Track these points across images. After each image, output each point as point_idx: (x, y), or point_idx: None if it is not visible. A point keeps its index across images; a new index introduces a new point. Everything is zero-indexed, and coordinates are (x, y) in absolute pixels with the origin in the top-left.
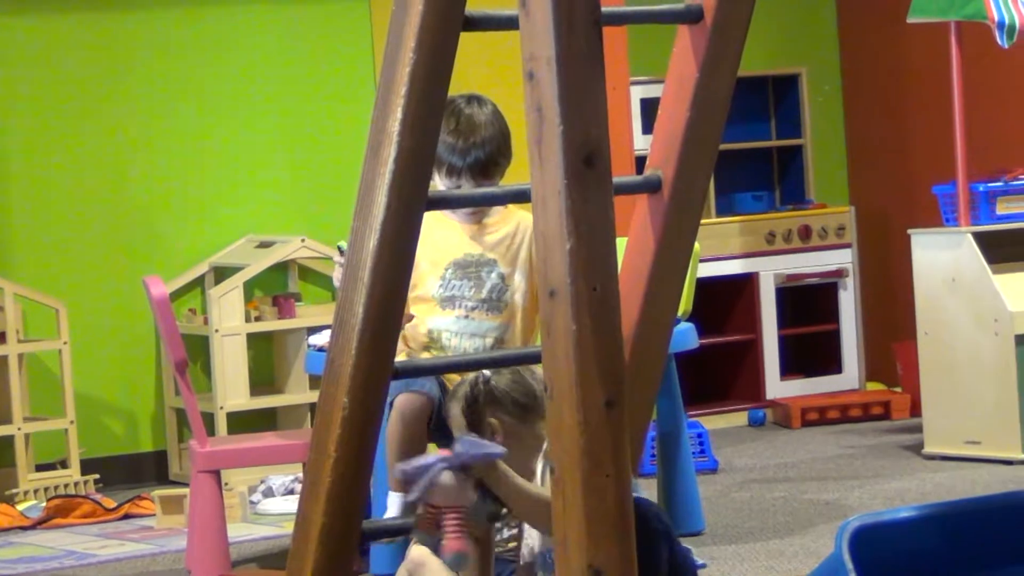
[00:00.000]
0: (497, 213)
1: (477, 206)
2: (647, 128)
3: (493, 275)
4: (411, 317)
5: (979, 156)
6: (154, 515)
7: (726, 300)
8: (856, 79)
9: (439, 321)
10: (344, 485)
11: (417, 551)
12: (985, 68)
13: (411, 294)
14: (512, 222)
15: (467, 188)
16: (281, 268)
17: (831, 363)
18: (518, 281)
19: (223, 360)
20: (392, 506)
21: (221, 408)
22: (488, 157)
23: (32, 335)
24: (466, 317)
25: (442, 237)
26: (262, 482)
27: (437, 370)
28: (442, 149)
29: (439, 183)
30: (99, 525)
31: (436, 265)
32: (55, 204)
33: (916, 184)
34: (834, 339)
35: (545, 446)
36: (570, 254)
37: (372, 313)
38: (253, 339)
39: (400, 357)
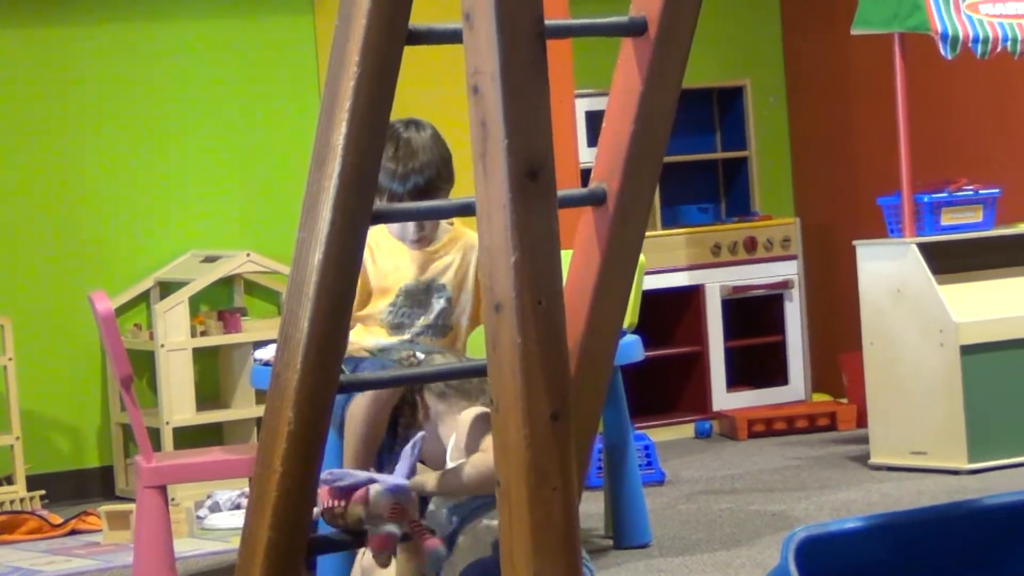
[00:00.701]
0: (444, 236)
1: (423, 220)
2: (592, 141)
3: (442, 300)
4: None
5: (923, 167)
6: (100, 531)
7: (672, 312)
8: (801, 91)
9: (383, 343)
10: (290, 500)
11: (368, 560)
12: (929, 79)
13: (359, 312)
14: (459, 245)
15: None
16: (227, 283)
17: (777, 375)
18: (463, 303)
19: (169, 375)
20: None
21: (167, 423)
22: (427, 182)
23: None
24: (411, 341)
25: (393, 264)
26: (208, 497)
27: (383, 384)
28: (382, 176)
29: None
30: (45, 541)
31: (387, 292)
32: (0, 219)
33: (861, 195)
34: (780, 351)
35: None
36: (515, 268)
37: (317, 327)
38: (199, 354)
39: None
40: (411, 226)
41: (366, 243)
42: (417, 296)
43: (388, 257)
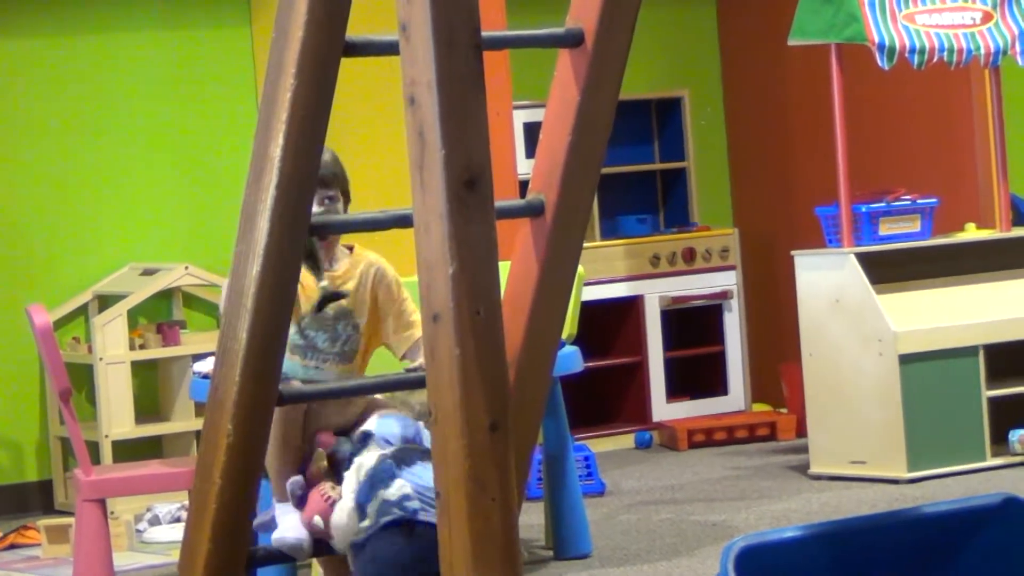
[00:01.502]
0: (345, 262)
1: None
2: (530, 152)
3: (349, 328)
4: None
5: (861, 177)
6: (40, 545)
7: (611, 323)
8: (738, 102)
9: (288, 366)
10: (229, 512)
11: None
12: (866, 89)
13: None
14: (359, 268)
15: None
16: (165, 296)
17: (717, 385)
18: (363, 325)
19: (107, 388)
20: (283, 517)
21: (106, 436)
22: (324, 166)
23: None
24: (316, 368)
25: (298, 287)
26: (148, 510)
27: (321, 395)
28: None
29: None
30: None
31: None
32: None
33: (799, 206)
34: (720, 361)
35: None
36: (453, 278)
37: (256, 339)
38: (138, 367)
39: None
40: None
41: None
42: (324, 321)
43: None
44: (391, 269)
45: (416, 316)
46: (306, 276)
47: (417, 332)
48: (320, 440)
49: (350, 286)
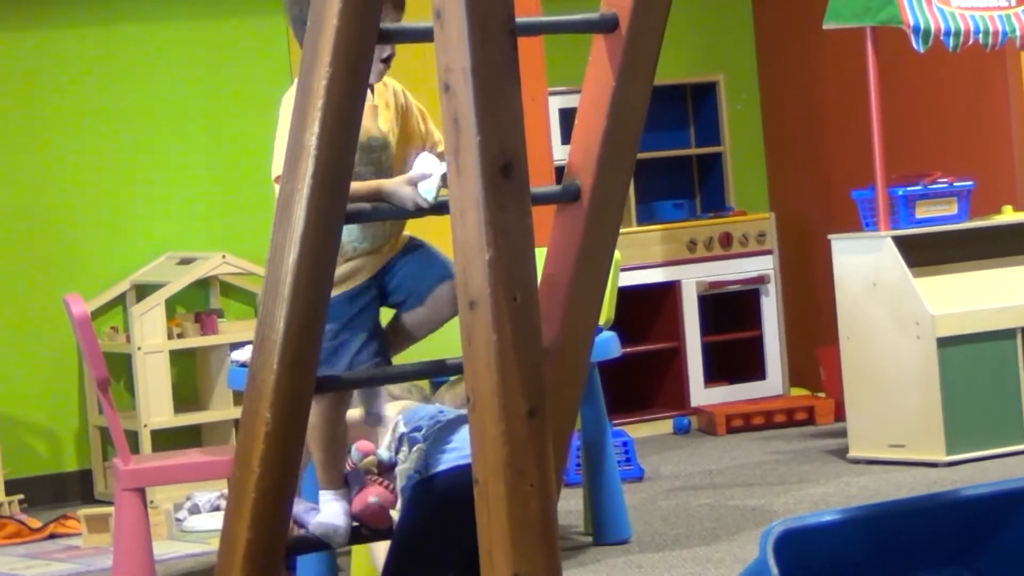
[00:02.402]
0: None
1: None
2: (566, 138)
3: (388, 156)
4: None
5: (898, 160)
6: (80, 534)
7: (648, 308)
8: (774, 86)
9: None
10: (269, 500)
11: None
12: (901, 73)
13: None
14: (388, 93)
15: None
16: (203, 284)
17: (755, 370)
18: (395, 147)
19: (146, 378)
20: (326, 505)
21: (145, 426)
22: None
23: None
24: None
25: None
26: (187, 499)
27: (359, 383)
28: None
29: None
30: (25, 545)
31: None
32: None
33: (835, 189)
34: (757, 345)
35: None
36: (489, 265)
37: (293, 328)
38: (176, 356)
39: None
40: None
41: None
42: (372, 154)
43: None
44: (410, 95)
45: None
46: None
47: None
48: (360, 448)
49: (390, 114)
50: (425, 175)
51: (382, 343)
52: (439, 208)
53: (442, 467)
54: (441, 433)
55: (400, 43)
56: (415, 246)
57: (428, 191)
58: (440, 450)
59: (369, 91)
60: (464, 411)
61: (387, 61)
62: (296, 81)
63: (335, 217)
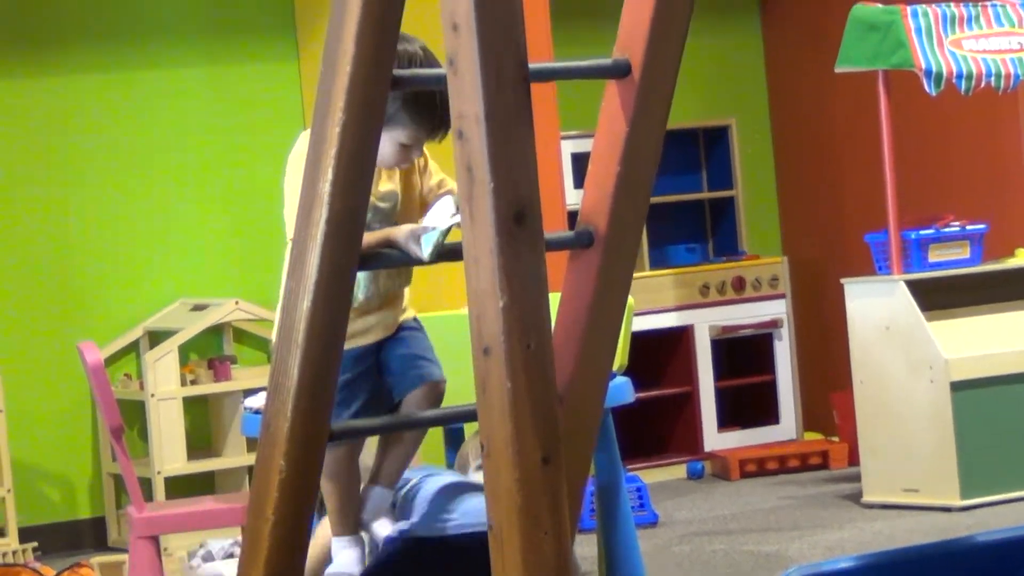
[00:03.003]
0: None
1: (408, 266)
2: (578, 183)
3: (396, 209)
4: None
5: (910, 203)
6: None
7: (662, 353)
8: (786, 129)
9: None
10: (283, 548)
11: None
12: (913, 116)
13: None
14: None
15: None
16: (216, 331)
17: (768, 414)
18: (400, 203)
19: (159, 425)
20: (339, 552)
21: (159, 473)
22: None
23: None
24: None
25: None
26: (201, 546)
27: (374, 431)
28: (410, 115)
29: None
30: None
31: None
32: None
33: (848, 233)
34: (770, 390)
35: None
36: (503, 311)
37: (307, 375)
38: (189, 403)
39: None
40: (399, 152)
41: None
42: (377, 216)
43: None
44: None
45: (445, 177)
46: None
47: (448, 183)
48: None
49: (392, 172)
50: (428, 228)
51: (379, 409)
52: (447, 255)
53: (444, 532)
54: (435, 497)
55: (414, 88)
56: (410, 329)
57: (427, 242)
58: (435, 514)
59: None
60: (448, 479)
61: (408, 152)
62: (300, 137)
63: (348, 264)
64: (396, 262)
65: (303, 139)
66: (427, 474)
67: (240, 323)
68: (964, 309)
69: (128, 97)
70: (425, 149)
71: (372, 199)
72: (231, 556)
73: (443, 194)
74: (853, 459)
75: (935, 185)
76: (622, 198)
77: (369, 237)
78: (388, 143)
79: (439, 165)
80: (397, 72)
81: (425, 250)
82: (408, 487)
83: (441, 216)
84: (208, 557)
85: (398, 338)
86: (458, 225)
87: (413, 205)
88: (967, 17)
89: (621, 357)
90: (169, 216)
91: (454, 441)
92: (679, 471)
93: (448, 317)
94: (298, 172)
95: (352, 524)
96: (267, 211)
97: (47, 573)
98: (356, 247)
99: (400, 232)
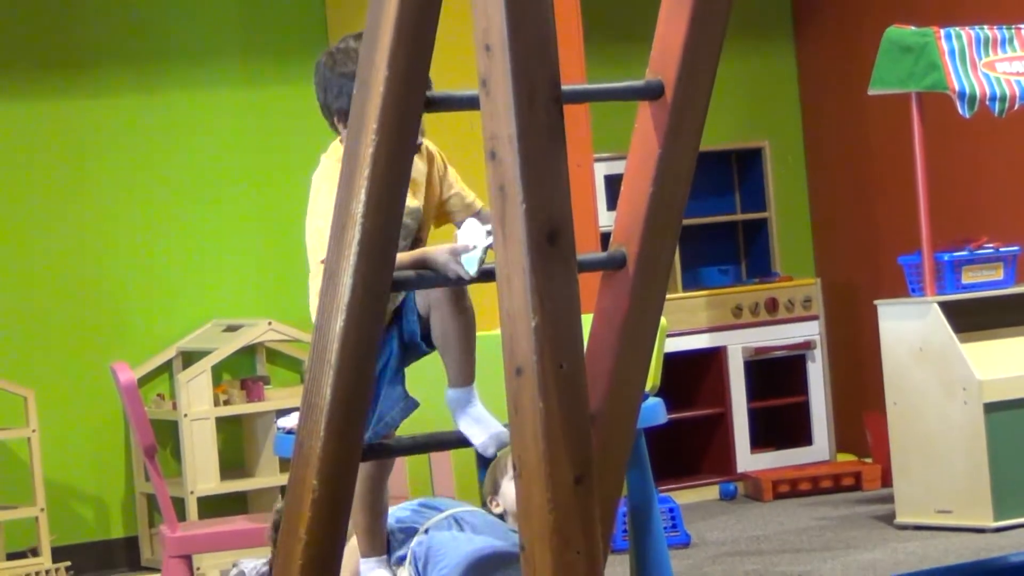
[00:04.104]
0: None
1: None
2: (611, 204)
3: (417, 224)
4: None
5: (943, 226)
6: None
7: (694, 374)
8: (819, 151)
9: None
10: (315, 568)
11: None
12: (947, 138)
13: None
14: (425, 160)
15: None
16: (248, 351)
17: (801, 435)
18: (423, 209)
19: (192, 444)
20: (368, 573)
21: (191, 492)
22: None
23: (0, 423)
24: None
25: None
26: (234, 566)
27: (406, 451)
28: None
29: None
30: None
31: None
32: (22, 291)
33: (882, 255)
34: (803, 411)
35: None
36: (536, 332)
37: (340, 395)
38: (222, 423)
39: None
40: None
41: None
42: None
43: None
44: (442, 154)
45: (474, 197)
46: None
47: (478, 203)
48: None
49: (415, 188)
50: (468, 247)
51: (400, 369)
52: (483, 276)
53: None
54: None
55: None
56: None
57: (470, 262)
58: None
59: None
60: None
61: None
62: (323, 159)
63: (381, 285)
64: (433, 283)
65: (325, 161)
66: (434, 522)
67: (273, 343)
68: (997, 331)
69: (161, 119)
70: (446, 159)
71: (413, 202)
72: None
73: (475, 213)
74: (886, 480)
75: (968, 207)
76: (655, 219)
77: (403, 257)
78: None
79: (470, 184)
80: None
81: (470, 268)
82: (416, 542)
83: (476, 234)
84: None
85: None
86: (491, 246)
87: (430, 216)
88: (1000, 39)
89: (654, 378)
90: (202, 237)
91: (485, 461)
92: (712, 492)
93: (480, 338)
94: (322, 193)
95: (380, 545)
96: (300, 232)
97: None
98: (389, 267)
99: (438, 252)
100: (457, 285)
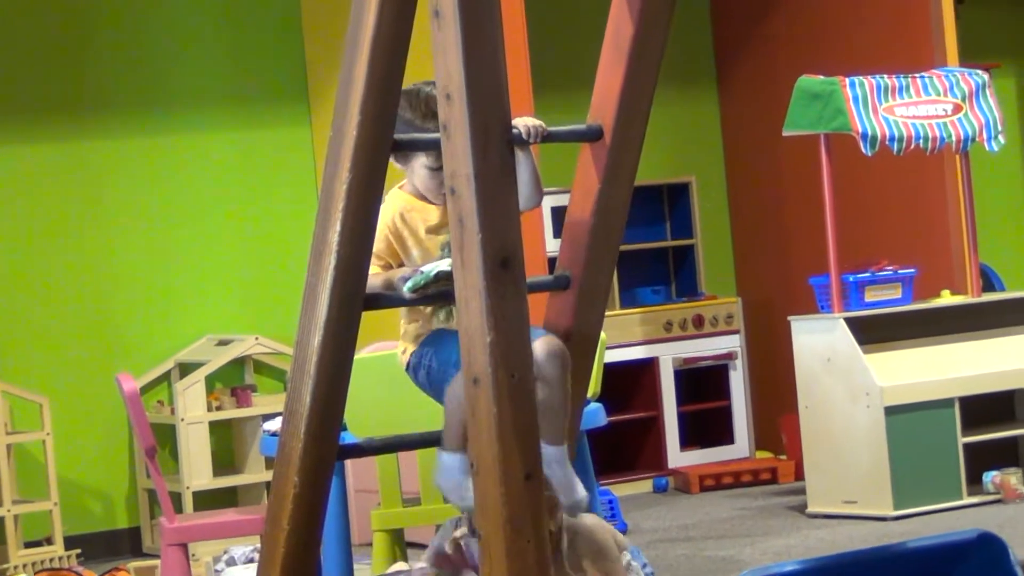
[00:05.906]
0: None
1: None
2: (557, 232)
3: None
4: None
5: (849, 250)
6: None
7: (630, 382)
8: (740, 185)
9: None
10: (296, 555)
11: None
12: (852, 173)
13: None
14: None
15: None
16: (238, 363)
17: (724, 435)
18: None
19: (188, 445)
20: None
21: (187, 488)
22: None
23: (18, 427)
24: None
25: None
26: (225, 552)
27: (378, 451)
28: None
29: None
30: None
31: (434, 248)
32: (38, 310)
33: (794, 276)
34: (726, 414)
35: None
36: (490, 347)
37: (317, 402)
38: (215, 426)
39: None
40: (433, 176)
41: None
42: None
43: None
44: None
45: None
46: (430, 212)
47: None
48: None
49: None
50: (418, 271)
51: None
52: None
53: None
54: None
55: (412, 152)
56: None
57: (411, 284)
58: None
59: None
60: None
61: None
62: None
63: (354, 304)
64: (395, 303)
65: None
66: None
67: (260, 356)
68: (896, 343)
69: (161, 158)
70: None
71: (441, 237)
72: (251, 561)
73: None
74: (799, 474)
75: (871, 234)
76: (595, 246)
77: (374, 279)
78: (420, 172)
79: None
80: (397, 136)
81: (408, 288)
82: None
83: (435, 263)
84: (231, 562)
85: None
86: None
87: None
88: (899, 87)
89: (595, 385)
90: (197, 262)
91: None
92: (646, 485)
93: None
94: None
95: (458, 441)
96: (283, 257)
97: None
98: (361, 288)
99: (395, 275)
100: (403, 306)
